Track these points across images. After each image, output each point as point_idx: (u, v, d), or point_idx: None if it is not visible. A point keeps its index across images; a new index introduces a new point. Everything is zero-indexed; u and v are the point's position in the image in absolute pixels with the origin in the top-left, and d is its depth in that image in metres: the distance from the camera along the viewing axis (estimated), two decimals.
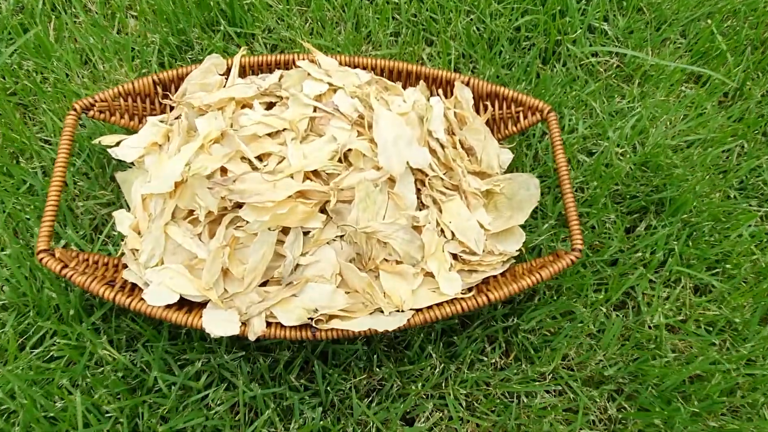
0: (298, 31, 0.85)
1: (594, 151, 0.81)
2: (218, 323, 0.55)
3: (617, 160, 0.79)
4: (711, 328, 0.71)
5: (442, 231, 0.61)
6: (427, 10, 0.90)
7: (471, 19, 0.90)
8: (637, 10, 0.94)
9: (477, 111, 0.72)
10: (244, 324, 0.56)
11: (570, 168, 0.76)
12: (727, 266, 0.73)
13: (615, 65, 0.89)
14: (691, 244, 0.75)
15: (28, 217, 0.68)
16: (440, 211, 0.61)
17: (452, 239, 0.61)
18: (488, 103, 0.71)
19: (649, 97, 0.86)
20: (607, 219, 0.76)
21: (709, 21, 0.92)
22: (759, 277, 0.73)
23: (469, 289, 0.61)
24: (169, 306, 0.57)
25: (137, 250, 0.61)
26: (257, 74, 0.71)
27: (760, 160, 0.82)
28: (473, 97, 0.71)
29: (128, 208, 0.68)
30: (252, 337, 0.55)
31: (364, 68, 0.71)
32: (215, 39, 0.82)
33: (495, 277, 0.62)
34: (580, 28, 0.89)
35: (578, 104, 0.84)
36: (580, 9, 0.92)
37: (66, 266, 0.58)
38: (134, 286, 0.60)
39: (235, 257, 0.57)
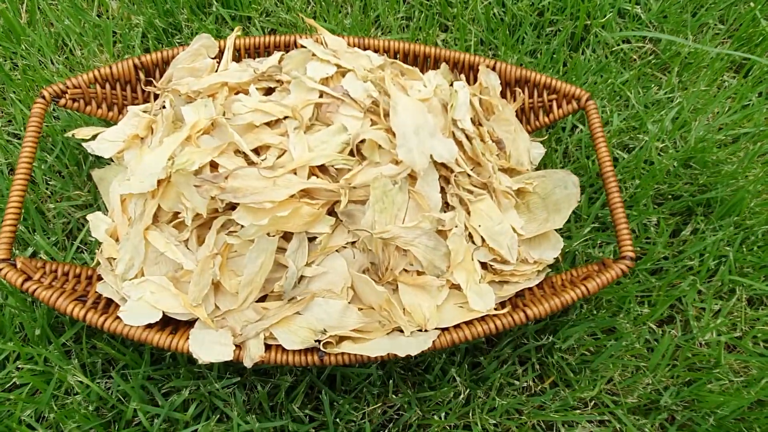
0: (300, 14, 0.77)
1: (632, 146, 0.72)
2: (208, 346, 0.46)
3: (658, 157, 0.71)
4: None
5: (470, 236, 0.52)
6: None
7: (490, 2, 0.82)
8: None
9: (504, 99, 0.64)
10: (238, 347, 0.47)
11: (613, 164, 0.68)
12: None
13: (649, 52, 0.80)
14: (745, 250, 0.66)
15: None
16: (468, 213, 0.52)
17: (482, 246, 0.52)
18: (517, 89, 0.63)
19: (690, 87, 0.78)
20: (649, 222, 0.67)
21: (752, 4, 0.84)
22: None
23: (502, 304, 0.52)
24: (150, 326, 0.48)
25: (114, 259, 0.52)
26: (254, 58, 0.62)
27: None
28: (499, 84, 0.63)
29: (106, 211, 0.60)
30: (248, 364, 0.46)
31: (376, 51, 0.62)
32: (207, 22, 0.74)
33: (530, 289, 0.54)
34: (611, 12, 0.81)
35: (611, 95, 0.75)
36: None
37: (29, 278, 0.49)
38: (110, 301, 0.51)
39: (227, 268, 0.49)
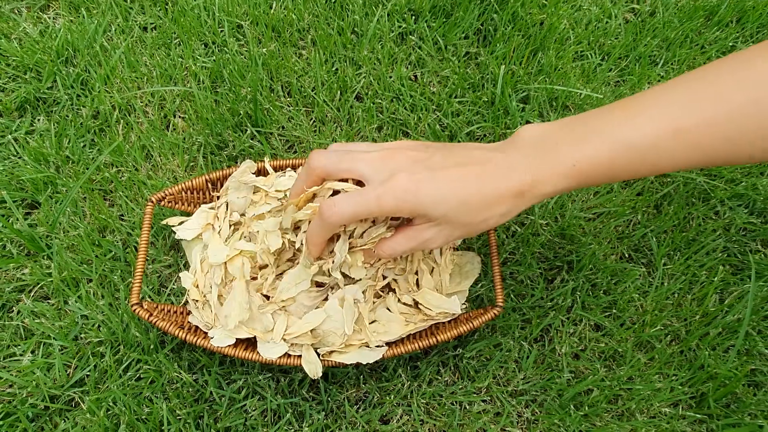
0: (305, 130, 1.13)
1: (525, 222, 1.09)
2: (270, 351, 0.82)
3: (541, 231, 1.08)
4: (602, 355, 0.99)
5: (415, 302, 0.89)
6: (404, 108, 1.19)
7: (437, 116, 1.19)
8: (564, 108, 1.23)
9: None
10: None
11: (498, 248, 1.03)
12: (614, 311, 1.01)
13: None
14: (591, 294, 1.03)
15: (115, 276, 0.95)
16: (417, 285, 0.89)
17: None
18: None
19: None
20: (532, 275, 1.04)
21: None
22: (639, 318, 1.01)
23: (427, 331, 0.89)
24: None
25: (197, 300, 0.89)
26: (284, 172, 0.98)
27: (648, 229, 1.10)
28: None
29: (187, 267, 0.96)
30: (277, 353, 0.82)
31: None
32: (243, 138, 1.10)
33: (444, 323, 0.90)
34: (520, 124, 1.18)
35: None
36: (520, 108, 1.21)
37: (151, 314, 0.85)
38: (197, 328, 0.87)
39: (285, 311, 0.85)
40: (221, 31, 1.24)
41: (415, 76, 1.24)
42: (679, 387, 0.96)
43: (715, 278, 1.05)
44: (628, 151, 0.65)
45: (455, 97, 1.20)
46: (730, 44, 1.35)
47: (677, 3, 1.39)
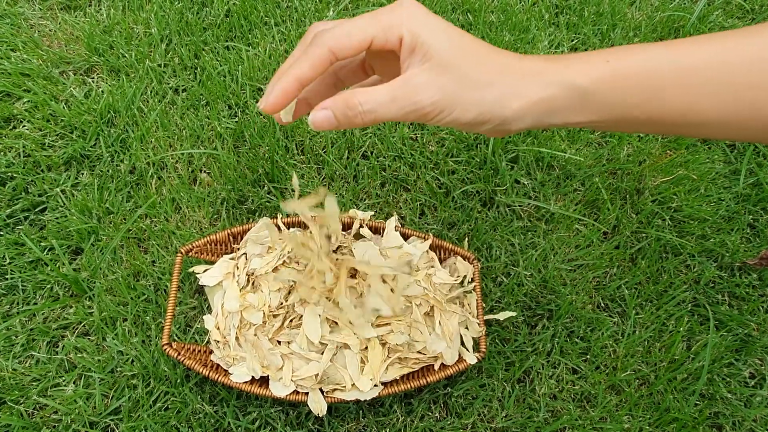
0: (316, 186, 1.27)
1: (511, 273, 1.22)
2: (280, 389, 0.95)
3: (525, 281, 1.20)
4: (577, 396, 1.10)
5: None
6: (405, 166, 1.32)
7: (434, 174, 1.32)
8: (549, 167, 1.36)
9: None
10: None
11: (485, 297, 1.16)
12: (588, 356, 1.13)
13: (533, 207, 1.30)
14: (568, 340, 1.15)
15: (147, 317, 1.09)
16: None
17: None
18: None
19: (554, 233, 1.27)
20: (516, 322, 1.16)
21: (596, 179, 1.34)
22: (611, 363, 1.13)
23: (417, 373, 1.01)
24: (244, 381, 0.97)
25: (218, 341, 1.02)
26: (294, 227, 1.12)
27: (622, 281, 1.22)
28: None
29: (209, 310, 1.09)
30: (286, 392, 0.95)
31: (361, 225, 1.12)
32: (261, 193, 1.24)
33: (432, 365, 1.03)
34: (509, 183, 1.31)
35: (503, 240, 1.25)
36: (509, 167, 1.34)
37: (179, 353, 0.98)
38: (218, 365, 1.00)
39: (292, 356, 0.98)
40: (243, 93, 1.40)
41: (416, 137, 1.38)
42: (647, 427, 1.07)
43: (682, 328, 1.16)
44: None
45: (451, 157, 1.34)
46: None
47: None
